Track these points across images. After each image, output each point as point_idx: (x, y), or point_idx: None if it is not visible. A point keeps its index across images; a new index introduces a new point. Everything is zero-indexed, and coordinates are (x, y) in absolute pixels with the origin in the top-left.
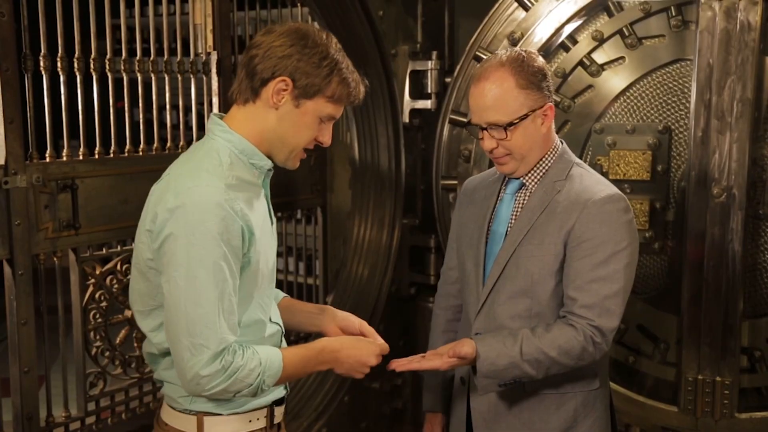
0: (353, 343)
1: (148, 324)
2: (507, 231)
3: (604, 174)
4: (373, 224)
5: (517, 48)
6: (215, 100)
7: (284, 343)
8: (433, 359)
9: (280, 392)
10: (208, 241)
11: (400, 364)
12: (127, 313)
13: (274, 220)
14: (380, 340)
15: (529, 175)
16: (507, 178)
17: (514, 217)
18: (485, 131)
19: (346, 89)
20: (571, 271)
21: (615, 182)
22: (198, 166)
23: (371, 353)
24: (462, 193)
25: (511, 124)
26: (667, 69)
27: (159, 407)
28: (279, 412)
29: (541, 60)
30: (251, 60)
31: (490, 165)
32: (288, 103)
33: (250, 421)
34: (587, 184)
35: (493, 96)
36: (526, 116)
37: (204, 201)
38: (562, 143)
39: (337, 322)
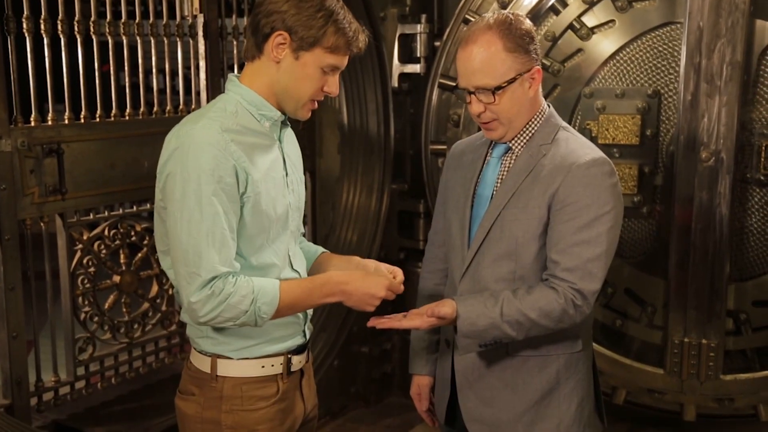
0: (361, 275)
1: (167, 262)
2: (492, 194)
3: (593, 139)
4: (362, 189)
5: (505, 11)
6: (202, 63)
7: None
8: (414, 319)
9: (296, 340)
10: (200, 177)
11: (380, 322)
12: (116, 278)
13: (294, 173)
14: (398, 277)
15: (516, 139)
16: (494, 142)
17: (499, 180)
18: (473, 95)
19: (344, 38)
20: (554, 234)
21: (604, 147)
22: (202, 113)
23: (381, 285)
24: (449, 156)
25: (499, 87)
26: (657, 32)
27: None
28: (297, 360)
29: (528, 23)
30: (254, 18)
31: (479, 129)
32: (288, 56)
33: (263, 366)
34: (572, 147)
35: (481, 59)
36: (513, 80)
37: (198, 141)
38: (548, 107)
39: (360, 268)
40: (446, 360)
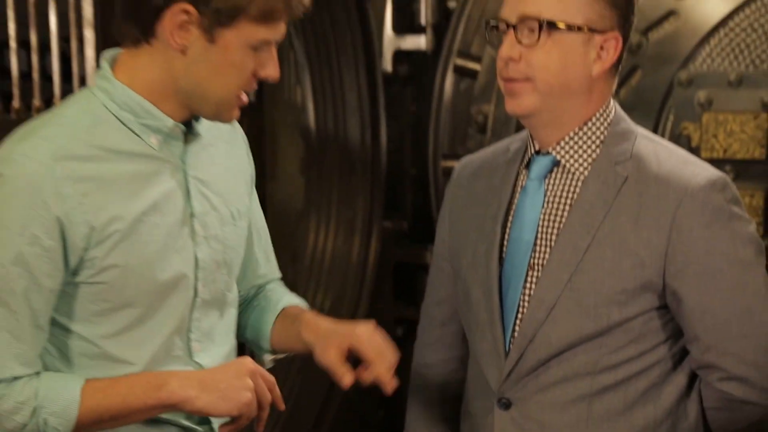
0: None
1: None
2: (536, 240)
3: (694, 150)
4: (338, 229)
5: None
6: (88, 33)
7: None
8: None
9: None
10: (1, 234)
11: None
12: None
13: (213, 211)
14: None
15: (565, 147)
16: (529, 156)
17: (545, 216)
18: (512, 29)
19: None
20: (695, 318)
21: (711, 163)
22: (34, 127)
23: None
24: (454, 181)
25: (552, 24)
26: None
27: None
28: None
29: None
30: None
31: (518, 129)
32: (198, 40)
33: None
34: (668, 166)
35: None
36: (578, 29)
37: (15, 175)
38: (616, 107)
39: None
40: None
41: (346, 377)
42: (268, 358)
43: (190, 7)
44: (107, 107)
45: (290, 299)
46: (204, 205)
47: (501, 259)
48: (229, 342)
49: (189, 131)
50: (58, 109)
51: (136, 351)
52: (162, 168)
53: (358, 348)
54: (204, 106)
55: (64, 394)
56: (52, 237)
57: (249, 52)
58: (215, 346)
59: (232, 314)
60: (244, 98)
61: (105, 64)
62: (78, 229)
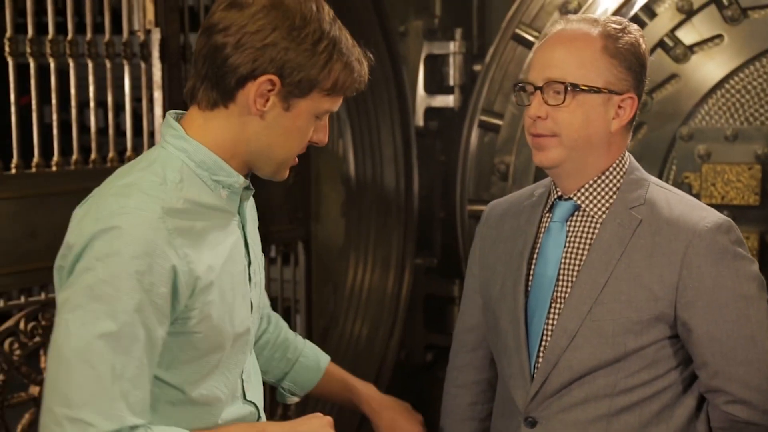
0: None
1: None
2: (559, 276)
3: (695, 197)
4: (375, 265)
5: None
6: (157, 94)
7: None
8: None
9: None
10: (121, 282)
11: None
12: (33, 390)
13: (256, 258)
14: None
15: (585, 193)
16: (552, 201)
17: (567, 254)
18: (539, 91)
19: (350, 76)
20: (702, 346)
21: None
22: (132, 183)
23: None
24: (484, 222)
25: (576, 86)
26: None
27: None
28: None
29: (642, 40)
30: (218, 50)
31: (538, 179)
32: (276, 107)
33: None
34: (679, 210)
35: (567, 50)
36: (598, 91)
37: (132, 226)
38: (629, 156)
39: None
40: None
41: None
42: (295, 400)
43: (275, 78)
44: (186, 164)
45: (318, 354)
46: (254, 254)
47: (527, 292)
48: (260, 380)
49: (247, 187)
50: (142, 165)
51: (214, 395)
52: (228, 220)
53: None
54: (267, 165)
55: None
56: (166, 285)
57: (313, 120)
58: (256, 384)
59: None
60: (296, 161)
61: (176, 123)
62: (186, 278)
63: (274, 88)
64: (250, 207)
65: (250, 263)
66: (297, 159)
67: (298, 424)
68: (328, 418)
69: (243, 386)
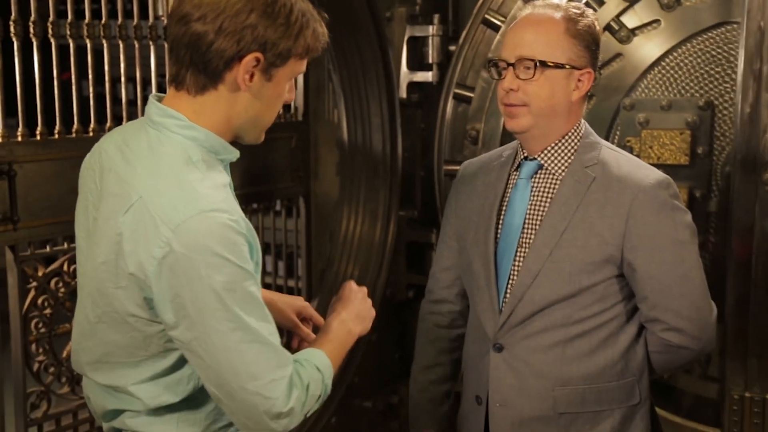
0: (342, 304)
1: (134, 376)
2: (525, 225)
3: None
4: (365, 217)
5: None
6: None
7: None
8: None
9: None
10: (231, 276)
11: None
12: None
13: None
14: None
15: (548, 154)
16: (519, 161)
17: (532, 207)
18: (511, 67)
19: (318, 39)
20: (644, 283)
21: None
22: (181, 181)
23: (363, 302)
24: (460, 180)
25: (544, 63)
26: (709, 34)
27: None
28: None
29: (597, 23)
30: (200, 37)
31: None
32: (260, 79)
33: None
34: (627, 169)
35: (536, 31)
36: (562, 66)
37: (209, 232)
38: (585, 124)
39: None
40: (475, 419)
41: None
42: None
43: (260, 55)
44: (201, 149)
45: None
46: None
47: (496, 239)
48: None
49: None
50: (167, 160)
51: None
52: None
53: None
54: (251, 134)
55: (324, 359)
56: (248, 255)
57: (288, 83)
58: None
59: None
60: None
61: (176, 112)
62: (252, 246)
63: (258, 64)
64: None
65: None
66: None
67: (355, 304)
68: (360, 292)
69: None
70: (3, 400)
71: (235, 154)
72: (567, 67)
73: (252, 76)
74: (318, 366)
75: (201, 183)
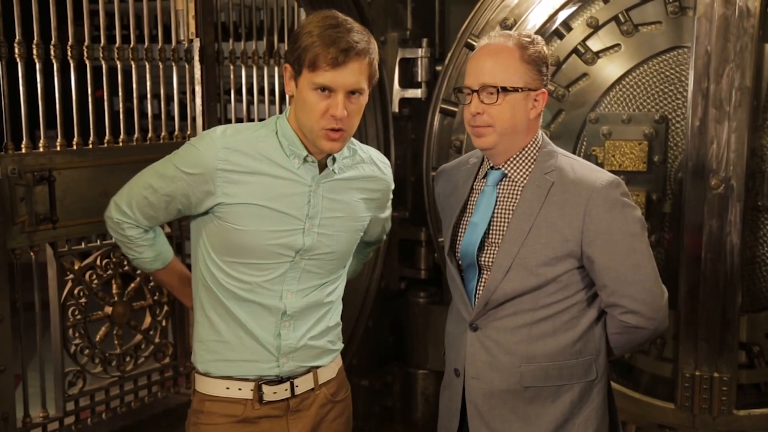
0: None
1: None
2: (492, 227)
3: (600, 165)
4: None
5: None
6: (198, 88)
7: (291, 330)
8: None
9: (266, 370)
10: (161, 165)
11: None
12: (107, 309)
13: (313, 214)
14: None
15: (511, 164)
16: (486, 170)
17: (498, 211)
18: (475, 93)
19: (314, 51)
20: (603, 272)
21: (611, 173)
22: (236, 126)
23: None
24: (436, 182)
25: (505, 89)
26: (664, 57)
27: None
28: (271, 391)
29: (545, 47)
30: None
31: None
32: (293, 86)
33: (227, 388)
34: (581, 173)
35: (495, 61)
36: (521, 89)
37: (201, 147)
38: (542, 135)
39: None
40: (454, 389)
41: None
42: None
43: (288, 66)
44: (276, 134)
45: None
46: (311, 212)
47: (459, 237)
48: (296, 296)
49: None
50: (256, 124)
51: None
52: (293, 181)
53: None
54: (308, 137)
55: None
56: (193, 167)
57: (316, 95)
58: (290, 297)
59: None
60: (333, 134)
61: (287, 107)
62: (209, 175)
63: (289, 72)
64: (343, 189)
65: (307, 215)
66: (336, 133)
67: None
68: None
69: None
70: (44, 379)
71: (301, 151)
72: (525, 90)
73: (291, 84)
74: (158, 247)
75: (236, 131)
